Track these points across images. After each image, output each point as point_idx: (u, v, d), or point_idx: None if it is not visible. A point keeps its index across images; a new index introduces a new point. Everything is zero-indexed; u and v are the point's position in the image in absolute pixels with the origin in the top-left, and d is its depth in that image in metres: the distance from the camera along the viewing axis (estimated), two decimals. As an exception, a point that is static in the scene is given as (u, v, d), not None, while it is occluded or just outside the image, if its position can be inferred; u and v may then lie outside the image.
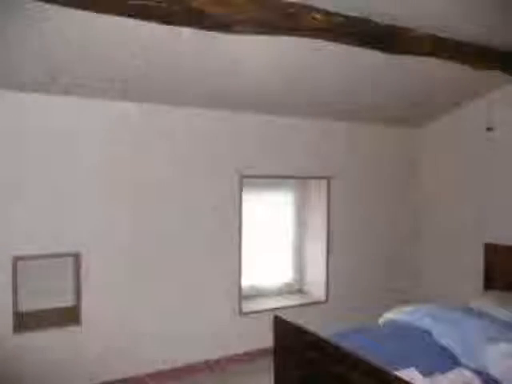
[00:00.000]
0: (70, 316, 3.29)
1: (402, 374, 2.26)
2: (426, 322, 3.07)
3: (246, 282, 4.12)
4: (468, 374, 2.42)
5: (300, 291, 4.53)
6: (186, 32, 2.41)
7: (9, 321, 3.06)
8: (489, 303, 3.45)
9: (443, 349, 2.78)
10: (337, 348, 2.25)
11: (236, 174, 3.79)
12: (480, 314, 3.27)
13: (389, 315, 3.37)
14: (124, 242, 3.40)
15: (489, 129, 4.02)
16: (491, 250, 3.98)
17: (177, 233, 3.59)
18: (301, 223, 4.52)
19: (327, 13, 2.31)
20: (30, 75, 2.82)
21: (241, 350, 3.87)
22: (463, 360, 2.62)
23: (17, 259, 3.06)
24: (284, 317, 2.63)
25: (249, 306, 3.99)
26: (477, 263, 4.10)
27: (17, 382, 3.08)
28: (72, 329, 3.25)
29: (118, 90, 3.15)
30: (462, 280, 4.28)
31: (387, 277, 4.63)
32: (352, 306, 4.37)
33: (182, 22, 2.16)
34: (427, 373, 2.40)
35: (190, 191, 3.63)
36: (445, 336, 2.86)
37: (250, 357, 3.88)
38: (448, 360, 2.63)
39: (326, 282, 4.27)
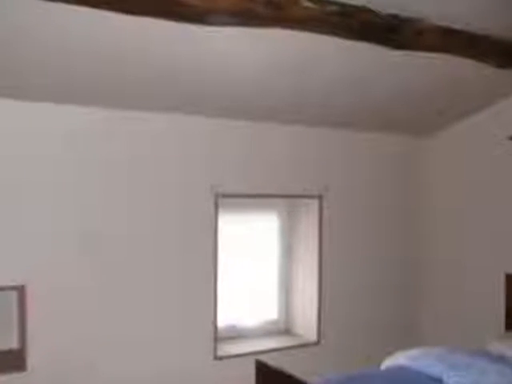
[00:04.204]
0: (13, 361, 3.17)
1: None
2: (437, 369, 3.02)
3: (223, 320, 4.01)
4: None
5: (287, 331, 4.44)
6: (156, 25, 2.36)
7: None
8: (511, 346, 3.39)
9: (458, 400, 2.68)
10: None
11: (211, 192, 3.70)
12: (500, 359, 3.22)
13: (392, 360, 3.33)
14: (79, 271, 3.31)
15: (512, 138, 4.01)
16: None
17: (139, 261, 3.50)
18: (288, 250, 4.45)
19: (319, 0, 2.28)
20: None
21: (216, 402, 3.76)
22: (482, 413, 2.53)
23: None
24: (268, 362, 2.60)
25: (226, 349, 3.90)
26: (496, 297, 4.02)
27: None
28: (16, 376, 3.13)
29: (80, 93, 3.09)
30: (478, 317, 4.19)
31: (390, 314, 4.56)
32: (349, 348, 4.29)
33: (147, 13, 2.13)
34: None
35: (156, 212, 3.54)
36: (459, 385, 2.76)
37: (227, 410, 3.77)
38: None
39: (318, 319, 4.19)
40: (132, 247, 3.49)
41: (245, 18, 2.25)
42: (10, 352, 3.20)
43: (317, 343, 4.21)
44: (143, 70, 2.93)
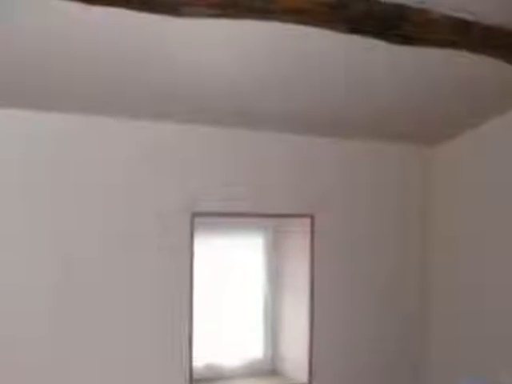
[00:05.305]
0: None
1: None
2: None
3: (200, 359, 3.98)
4: None
5: (274, 371, 4.40)
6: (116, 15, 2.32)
7: None
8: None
9: None
10: None
11: (185, 211, 3.63)
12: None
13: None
14: (38, 299, 3.24)
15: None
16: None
17: (101, 288, 3.43)
18: (275, 278, 4.40)
19: (309, -12, 2.25)
20: None
21: None
22: None
23: None
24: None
25: (204, 393, 3.83)
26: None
27: None
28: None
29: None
30: (490, 345, 4.16)
31: (393, 349, 4.51)
32: (346, 389, 4.22)
33: (114, 3, 2.09)
34: None
35: (119, 236, 3.47)
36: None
37: None
38: None
39: (310, 358, 4.13)
40: (93, 274, 3.44)
41: (226, 8, 2.24)
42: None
43: (308, 385, 4.15)
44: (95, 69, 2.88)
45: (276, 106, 3.59)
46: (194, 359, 3.76)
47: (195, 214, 3.68)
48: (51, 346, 3.32)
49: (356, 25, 2.46)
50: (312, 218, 4.13)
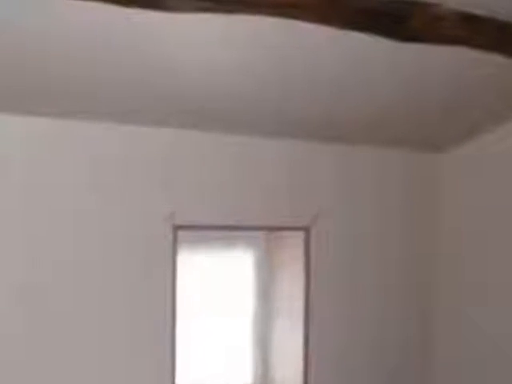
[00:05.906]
0: None
1: None
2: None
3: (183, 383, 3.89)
4: None
5: None
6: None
7: None
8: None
9: None
10: None
11: (167, 223, 3.54)
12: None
13: None
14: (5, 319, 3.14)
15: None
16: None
17: (78, 309, 3.34)
18: (266, 296, 4.35)
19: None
20: None
21: None
22: None
23: None
24: None
25: (188, 420, 3.77)
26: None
27: None
28: None
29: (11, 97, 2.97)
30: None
31: (394, 376, 4.45)
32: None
33: None
34: None
35: (95, 250, 3.39)
36: None
37: None
38: None
39: (304, 380, 4.07)
40: (72, 293, 3.36)
41: (214, 1, 2.20)
42: None
43: (303, 411, 4.08)
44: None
45: (272, 108, 3.55)
46: (176, 383, 3.70)
47: (178, 227, 3.60)
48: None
49: (354, 20, 2.41)
50: (307, 230, 4.06)
